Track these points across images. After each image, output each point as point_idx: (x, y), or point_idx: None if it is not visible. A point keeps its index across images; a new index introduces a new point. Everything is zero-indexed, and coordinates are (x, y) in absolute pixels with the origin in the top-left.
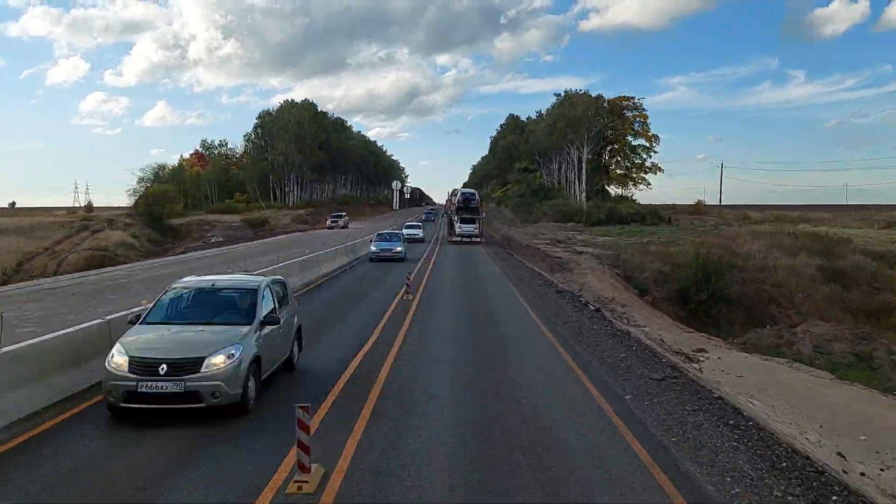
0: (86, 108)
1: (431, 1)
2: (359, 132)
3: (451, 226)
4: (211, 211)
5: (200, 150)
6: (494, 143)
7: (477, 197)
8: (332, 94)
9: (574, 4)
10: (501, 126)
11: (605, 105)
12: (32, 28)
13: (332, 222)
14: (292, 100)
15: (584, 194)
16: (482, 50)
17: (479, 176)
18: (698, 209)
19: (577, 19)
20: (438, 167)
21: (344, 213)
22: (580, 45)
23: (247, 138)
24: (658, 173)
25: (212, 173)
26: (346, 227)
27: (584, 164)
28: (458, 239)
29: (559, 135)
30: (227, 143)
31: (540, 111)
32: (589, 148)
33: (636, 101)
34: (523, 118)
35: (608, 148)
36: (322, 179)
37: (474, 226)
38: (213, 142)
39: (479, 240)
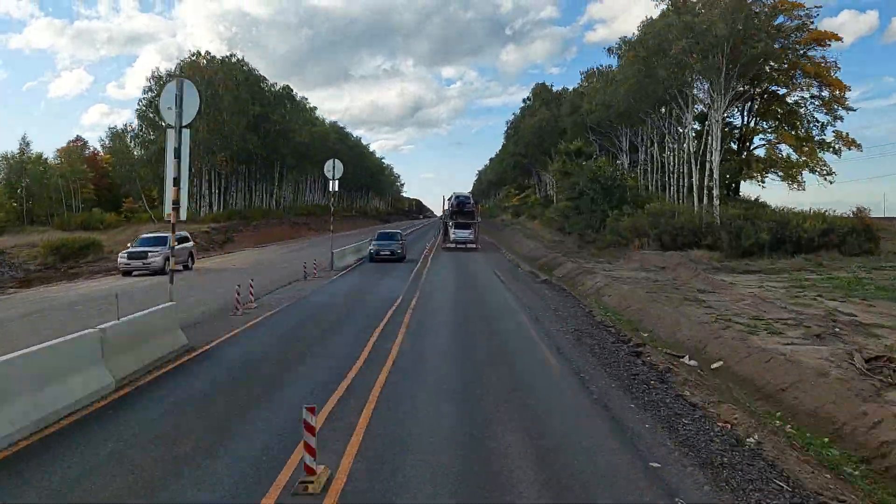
0: (88, 121)
1: (436, 12)
2: (334, 123)
3: (446, 232)
4: (63, 225)
5: (105, 140)
6: (513, 128)
7: (472, 201)
8: (335, 105)
9: (580, 15)
10: (526, 101)
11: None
12: (35, 40)
13: (126, 263)
14: (206, 52)
15: (715, 193)
16: (487, 62)
17: (487, 181)
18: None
19: (584, 30)
20: (442, 180)
21: (182, 239)
22: (587, 57)
23: (139, 113)
24: (849, 150)
25: (66, 168)
26: (185, 269)
27: (717, 131)
28: (453, 245)
29: (672, 71)
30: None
31: (598, 66)
32: (728, 97)
33: (808, 13)
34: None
35: (753, 104)
36: (267, 178)
37: (469, 231)
38: (122, 127)
39: (474, 246)
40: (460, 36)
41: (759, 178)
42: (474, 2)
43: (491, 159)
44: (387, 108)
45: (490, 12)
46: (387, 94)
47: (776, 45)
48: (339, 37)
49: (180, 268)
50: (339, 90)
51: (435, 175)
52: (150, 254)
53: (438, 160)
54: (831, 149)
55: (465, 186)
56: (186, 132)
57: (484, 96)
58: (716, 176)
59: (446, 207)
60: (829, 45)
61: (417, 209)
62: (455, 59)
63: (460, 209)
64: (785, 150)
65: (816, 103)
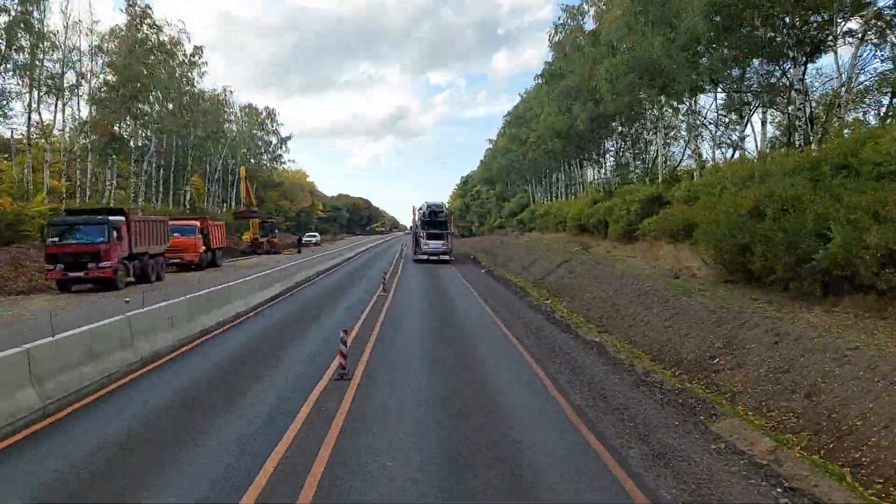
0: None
1: (427, 17)
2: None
3: (417, 242)
4: None
5: None
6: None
7: (445, 210)
8: (318, 112)
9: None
10: None
11: None
12: None
13: None
14: None
15: None
16: (477, 69)
17: (491, 172)
18: None
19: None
20: (426, 187)
21: None
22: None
23: None
24: None
25: None
26: None
27: None
28: (425, 257)
29: None
30: None
31: None
32: None
33: None
34: None
35: None
36: None
37: (442, 242)
38: None
39: (447, 258)
40: (449, 43)
41: None
42: (467, 3)
43: (497, 137)
44: (369, 116)
45: (480, 20)
46: (369, 100)
47: None
48: (323, 42)
49: None
50: (320, 97)
51: (417, 182)
52: None
53: (421, 168)
54: None
55: (447, 193)
56: None
57: (472, 105)
58: None
59: (417, 218)
60: None
61: (371, 221)
62: (443, 66)
63: (432, 218)
64: None
65: None
